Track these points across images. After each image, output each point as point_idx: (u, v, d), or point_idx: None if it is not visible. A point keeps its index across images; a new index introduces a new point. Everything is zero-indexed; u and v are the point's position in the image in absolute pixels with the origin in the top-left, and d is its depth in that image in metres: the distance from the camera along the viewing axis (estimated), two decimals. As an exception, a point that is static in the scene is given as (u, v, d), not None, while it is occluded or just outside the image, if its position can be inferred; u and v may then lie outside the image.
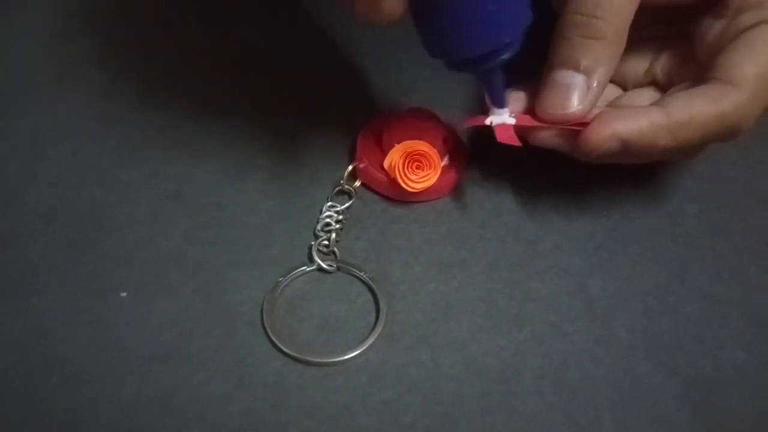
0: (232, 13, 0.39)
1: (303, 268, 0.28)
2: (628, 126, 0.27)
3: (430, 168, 0.30)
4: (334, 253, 0.29)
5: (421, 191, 0.30)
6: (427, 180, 0.30)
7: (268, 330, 0.26)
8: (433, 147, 0.30)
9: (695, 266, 0.30)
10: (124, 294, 0.27)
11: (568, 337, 0.27)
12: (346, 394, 0.25)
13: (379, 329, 0.26)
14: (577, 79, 0.28)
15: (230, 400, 0.25)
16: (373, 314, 0.27)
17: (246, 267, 0.29)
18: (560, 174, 0.33)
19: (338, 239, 0.29)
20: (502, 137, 0.28)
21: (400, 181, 0.30)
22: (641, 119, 0.27)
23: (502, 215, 0.31)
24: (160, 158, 0.32)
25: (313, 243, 0.29)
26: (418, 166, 0.30)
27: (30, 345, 0.26)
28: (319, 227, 0.30)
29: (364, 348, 0.26)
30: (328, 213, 0.30)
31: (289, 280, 0.28)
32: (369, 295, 0.28)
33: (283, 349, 0.26)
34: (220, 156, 0.32)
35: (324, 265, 0.28)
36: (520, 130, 0.29)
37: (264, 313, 0.27)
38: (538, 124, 0.28)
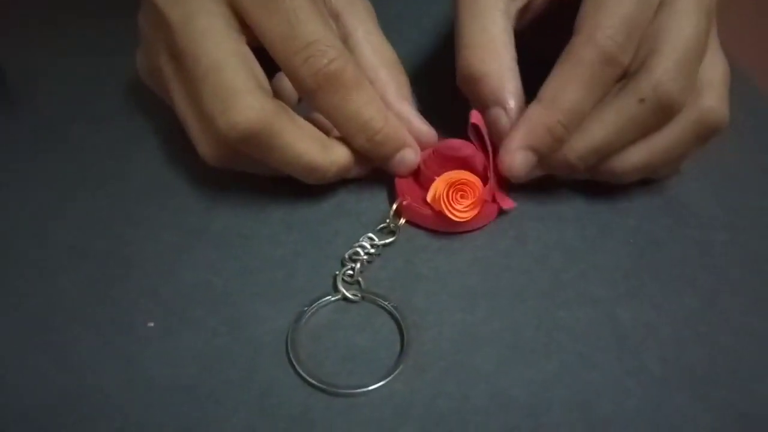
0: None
1: (328, 297, 0.28)
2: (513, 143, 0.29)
3: (474, 195, 0.30)
4: (358, 282, 0.29)
5: (470, 220, 0.30)
6: (474, 208, 0.30)
7: (293, 361, 0.26)
8: (474, 174, 0.30)
9: (727, 295, 0.29)
10: (151, 324, 0.28)
11: (598, 368, 0.26)
12: (372, 426, 0.25)
13: (404, 360, 0.26)
14: (497, 111, 0.30)
15: (255, 433, 0.25)
16: (398, 344, 0.27)
17: (270, 298, 0.29)
18: (585, 201, 0.32)
19: (363, 269, 0.29)
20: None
21: (447, 213, 0.30)
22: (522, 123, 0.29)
23: (527, 244, 0.31)
24: (185, 194, 0.33)
25: (337, 273, 0.29)
26: (462, 195, 0.30)
27: (55, 378, 0.26)
28: (347, 255, 0.30)
29: (390, 379, 0.26)
30: (361, 244, 0.30)
31: (313, 310, 0.28)
32: (394, 325, 0.28)
33: (308, 380, 0.26)
34: (244, 189, 0.33)
35: (349, 295, 0.28)
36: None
37: (288, 343, 0.27)
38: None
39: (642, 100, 0.28)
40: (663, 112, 0.28)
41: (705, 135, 0.30)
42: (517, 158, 0.29)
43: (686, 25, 0.28)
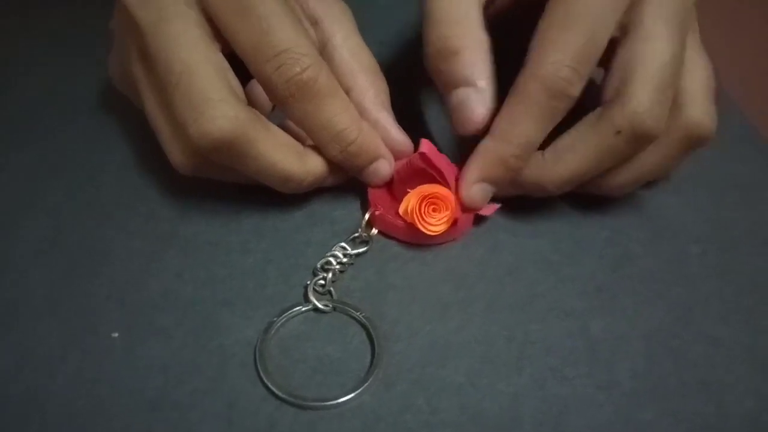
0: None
1: (298, 308, 0.28)
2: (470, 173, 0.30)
3: (447, 209, 0.30)
4: (330, 292, 0.28)
5: (442, 233, 0.30)
6: (446, 221, 0.30)
7: (261, 372, 0.26)
8: (447, 188, 0.30)
9: (699, 309, 0.29)
10: (115, 335, 0.27)
11: (569, 382, 0.26)
12: (339, 439, 0.24)
13: (374, 372, 0.26)
14: (467, 91, 0.29)
15: (220, 446, 0.24)
16: (369, 356, 0.27)
17: (240, 307, 0.28)
18: (559, 214, 0.32)
19: (334, 279, 0.29)
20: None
21: (419, 225, 0.29)
22: (475, 156, 0.30)
23: (501, 255, 0.30)
24: (155, 200, 0.32)
25: (308, 282, 0.29)
26: (434, 209, 0.30)
27: (15, 383, 0.25)
28: (318, 265, 0.29)
29: (359, 391, 0.25)
30: (333, 253, 0.30)
31: (283, 321, 0.27)
32: (365, 336, 0.27)
33: (276, 392, 0.25)
34: (216, 196, 0.32)
35: (319, 305, 0.28)
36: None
37: (257, 354, 0.26)
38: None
39: (618, 132, 0.28)
40: (639, 143, 0.28)
41: (692, 147, 0.30)
42: (474, 191, 0.30)
43: (658, 51, 0.28)
